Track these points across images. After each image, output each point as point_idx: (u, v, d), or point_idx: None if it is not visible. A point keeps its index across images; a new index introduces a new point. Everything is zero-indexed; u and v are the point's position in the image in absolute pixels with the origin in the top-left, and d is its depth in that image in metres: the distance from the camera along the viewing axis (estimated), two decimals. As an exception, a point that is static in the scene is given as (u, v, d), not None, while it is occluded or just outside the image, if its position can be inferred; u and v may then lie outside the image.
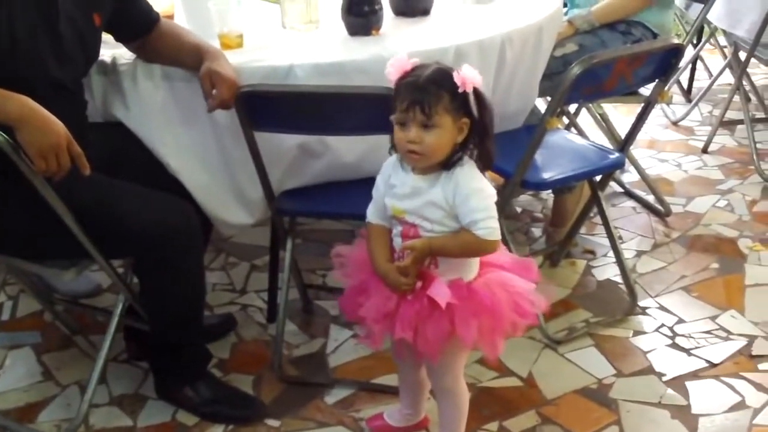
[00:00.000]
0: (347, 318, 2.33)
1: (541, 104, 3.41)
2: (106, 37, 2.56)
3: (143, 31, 2.58)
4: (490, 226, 2.00)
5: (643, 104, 2.99)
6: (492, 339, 2.11)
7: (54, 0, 2.29)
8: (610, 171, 3.10)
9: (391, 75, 2.02)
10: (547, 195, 3.89)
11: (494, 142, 2.05)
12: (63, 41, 2.33)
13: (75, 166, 2.25)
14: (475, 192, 2.00)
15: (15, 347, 3.00)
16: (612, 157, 3.00)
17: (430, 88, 1.95)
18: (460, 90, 1.95)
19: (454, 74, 1.95)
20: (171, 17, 2.85)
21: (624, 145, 3.05)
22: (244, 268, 3.45)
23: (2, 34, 2.18)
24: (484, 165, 2.06)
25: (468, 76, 1.95)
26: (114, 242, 2.36)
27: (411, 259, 2.04)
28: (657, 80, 2.88)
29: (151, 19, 2.60)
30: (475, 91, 1.98)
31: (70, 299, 3.18)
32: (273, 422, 2.59)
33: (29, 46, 2.24)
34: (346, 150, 2.65)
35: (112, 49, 2.62)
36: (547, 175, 2.87)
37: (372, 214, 2.18)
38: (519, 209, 3.84)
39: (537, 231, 3.67)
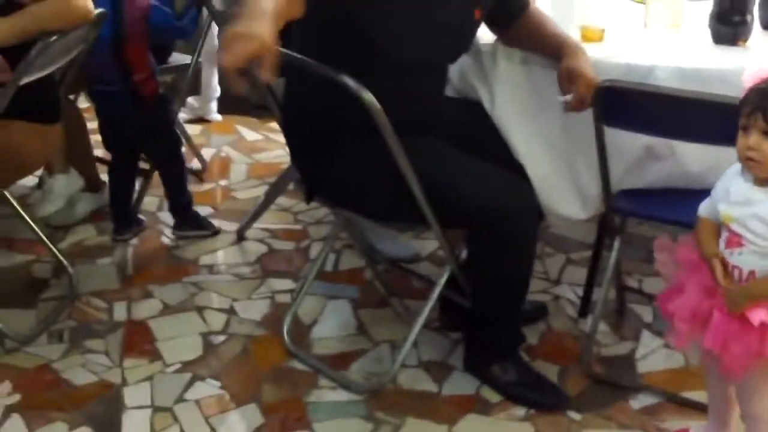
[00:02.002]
0: (663, 314, 2.29)
1: None
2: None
3: (514, 18, 2.64)
4: None
5: None
6: None
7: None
8: None
9: (746, 82, 1.98)
10: None
11: None
12: (445, 35, 2.46)
13: (429, 135, 2.35)
14: None
15: (334, 298, 3.16)
16: None
17: None
18: None
19: None
20: (533, 2, 2.90)
21: None
22: (559, 260, 3.46)
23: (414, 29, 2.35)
24: None
25: None
26: (454, 213, 2.44)
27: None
28: None
29: (522, 5, 2.65)
30: None
31: (389, 262, 3.32)
32: (575, 415, 2.59)
33: (418, 41, 2.37)
34: (692, 158, 2.59)
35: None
36: None
37: (705, 209, 2.15)
38: None
39: None
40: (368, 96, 2.26)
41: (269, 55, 1.98)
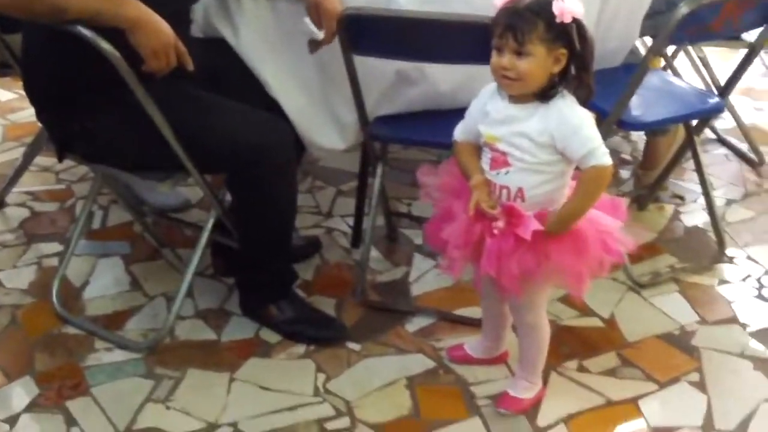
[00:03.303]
0: (429, 244, 2.35)
1: (639, 45, 3.35)
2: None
3: None
4: (606, 152, 2.00)
5: (746, 50, 2.92)
6: (578, 275, 2.11)
7: None
8: (709, 116, 3.05)
9: (496, 1, 2.01)
10: (637, 137, 3.85)
11: (594, 77, 2.03)
12: None
13: (176, 80, 2.29)
14: (583, 122, 2.01)
15: (104, 256, 3.06)
16: (712, 101, 2.95)
17: (525, 15, 1.94)
18: (558, 20, 1.93)
19: (554, 3, 1.93)
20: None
21: (724, 90, 2.98)
22: (330, 193, 3.48)
23: None
24: (584, 99, 2.04)
25: (567, 7, 1.93)
26: (209, 157, 2.40)
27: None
28: (764, 26, 2.80)
29: None
30: (576, 22, 1.96)
31: (159, 212, 3.24)
32: (354, 345, 2.62)
33: None
34: (442, 79, 2.64)
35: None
36: (644, 116, 2.82)
37: (460, 133, 2.19)
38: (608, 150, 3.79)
39: (625, 173, 3.63)
40: (106, 45, 2.18)
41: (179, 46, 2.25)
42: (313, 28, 2.47)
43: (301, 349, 2.61)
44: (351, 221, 3.17)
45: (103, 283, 2.93)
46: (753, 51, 2.87)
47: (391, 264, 3.02)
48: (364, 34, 2.43)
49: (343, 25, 2.41)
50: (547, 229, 2.05)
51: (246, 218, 2.57)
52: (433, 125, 2.65)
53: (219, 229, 2.65)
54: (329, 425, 2.34)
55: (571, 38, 1.96)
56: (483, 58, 2.05)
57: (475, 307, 2.65)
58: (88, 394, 2.44)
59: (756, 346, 2.65)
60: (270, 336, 2.66)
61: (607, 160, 2.00)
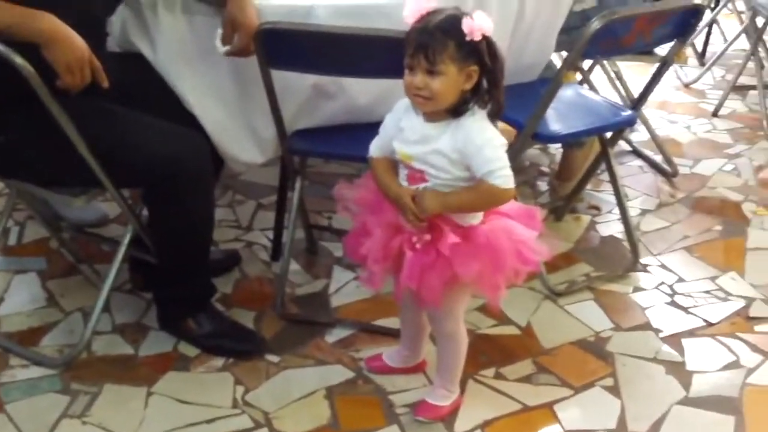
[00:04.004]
0: (349, 258, 2.37)
1: (557, 59, 3.41)
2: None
3: None
4: (505, 175, 2.01)
5: (658, 63, 2.99)
6: (493, 283, 2.13)
7: None
8: (622, 128, 3.11)
9: (407, 18, 2.02)
10: (555, 149, 3.91)
11: (504, 92, 2.04)
12: None
13: (91, 95, 2.28)
14: (487, 142, 2.01)
15: (20, 272, 3.02)
16: (624, 114, 3.01)
17: (436, 34, 1.95)
18: (468, 38, 1.94)
19: (464, 21, 1.94)
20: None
21: (637, 103, 3.05)
22: (250, 206, 3.48)
23: None
24: (494, 114, 2.06)
25: (476, 25, 1.94)
26: (125, 171, 2.38)
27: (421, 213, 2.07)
28: (675, 40, 2.87)
29: None
30: (486, 39, 1.97)
31: (76, 228, 3.21)
32: (273, 358, 2.62)
33: None
34: (359, 92, 2.66)
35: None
36: (559, 129, 2.87)
37: (376, 149, 2.20)
38: (526, 162, 3.86)
39: (543, 185, 3.70)
40: (19, 59, 2.14)
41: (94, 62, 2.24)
42: (217, 42, 2.47)
43: (219, 362, 2.60)
44: (271, 235, 3.17)
45: (19, 299, 2.89)
46: (665, 65, 2.94)
47: (311, 276, 3.03)
48: (281, 49, 2.43)
49: (260, 40, 2.41)
50: (423, 200, 2.06)
51: (162, 232, 2.55)
52: (352, 139, 2.65)
53: (136, 244, 2.62)
54: (247, 436, 2.35)
55: (482, 55, 1.98)
56: (400, 72, 2.06)
57: (394, 318, 2.67)
58: (2, 411, 2.40)
59: (668, 351, 2.71)
60: (188, 350, 2.64)
61: (503, 182, 2.01)
